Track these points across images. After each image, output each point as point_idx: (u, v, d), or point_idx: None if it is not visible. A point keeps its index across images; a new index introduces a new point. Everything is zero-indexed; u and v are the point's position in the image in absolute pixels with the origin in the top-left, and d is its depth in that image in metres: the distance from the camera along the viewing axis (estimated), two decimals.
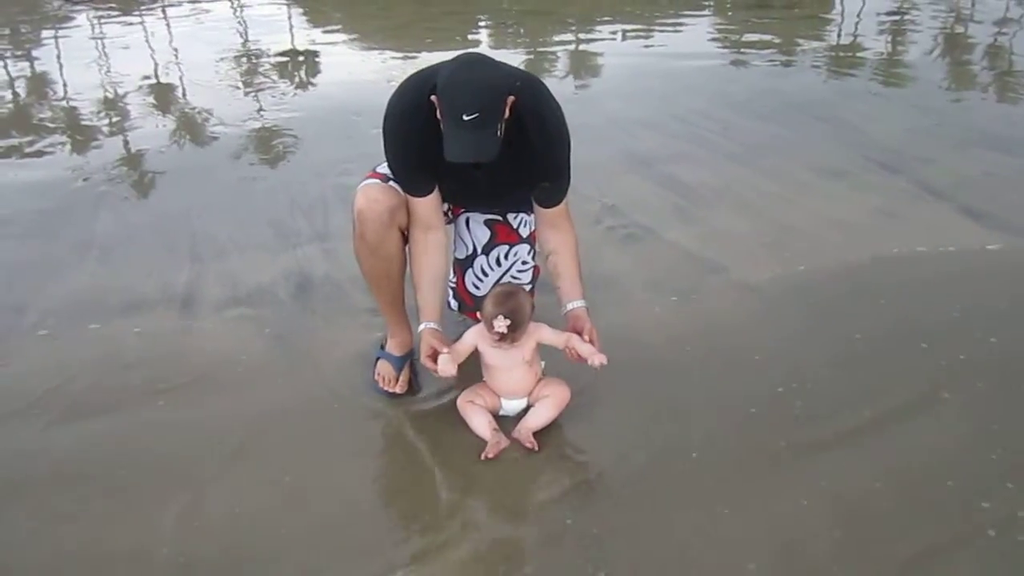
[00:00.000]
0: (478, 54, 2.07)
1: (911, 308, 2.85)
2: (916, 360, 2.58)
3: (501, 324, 2.15)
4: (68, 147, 4.69)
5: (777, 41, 7.08)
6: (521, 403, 2.34)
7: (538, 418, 2.27)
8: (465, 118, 1.91)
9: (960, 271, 3.10)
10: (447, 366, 2.19)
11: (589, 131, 4.47)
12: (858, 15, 8.08)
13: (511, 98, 2.01)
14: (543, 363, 2.37)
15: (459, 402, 2.33)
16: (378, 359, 2.51)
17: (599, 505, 2.05)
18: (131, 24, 8.00)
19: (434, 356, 2.23)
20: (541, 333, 2.28)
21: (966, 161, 4.17)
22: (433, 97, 1.99)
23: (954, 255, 3.21)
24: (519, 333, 2.20)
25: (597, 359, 2.20)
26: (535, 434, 2.24)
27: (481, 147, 1.96)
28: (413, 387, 2.49)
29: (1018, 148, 4.33)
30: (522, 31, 7.89)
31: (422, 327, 2.29)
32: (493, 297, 2.20)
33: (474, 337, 2.29)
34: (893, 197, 3.77)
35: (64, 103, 5.59)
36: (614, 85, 5.86)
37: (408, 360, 2.50)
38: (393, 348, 2.50)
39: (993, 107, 5.34)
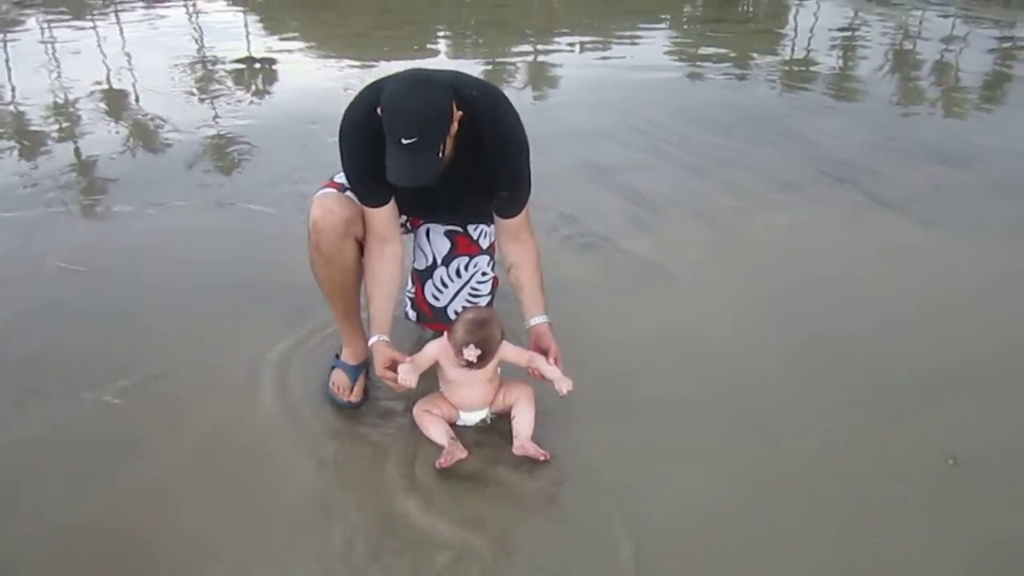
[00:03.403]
0: (423, 71, 2.05)
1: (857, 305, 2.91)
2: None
3: (471, 353, 2.13)
4: (16, 153, 4.57)
5: (732, 55, 7.18)
6: (480, 414, 2.33)
7: (527, 425, 2.25)
8: (404, 142, 1.88)
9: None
10: (409, 376, 2.15)
11: (547, 142, 4.48)
12: (811, 30, 8.23)
13: (459, 113, 1.99)
14: (499, 369, 2.34)
15: (415, 412, 2.30)
16: (333, 368, 2.48)
17: (565, 510, 2.05)
18: (83, 28, 7.84)
19: (392, 367, 2.20)
20: (504, 351, 2.26)
21: (916, 174, 4.26)
22: (379, 110, 1.95)
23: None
24: (487, 362, 2.18)
25: (564, 386, 2.19)
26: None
27: (418, 171, 1.93)
28: (368, 396, 2.46)
29: (965, 162, 4.44)
30: (480, 41, 7.90)
31: (375, 339, 2.25)
32: (465, 324, 2.16)
33: (436, 351, 2.26)
34: (847, 209, 3.84)
35: (12, 108, 5.45)
36: (572, 97, 5.89)
37: (364, 370, 2.47)
38: (348, 357, 2.47)
39: (941, 122, 5.47)
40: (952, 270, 3.26)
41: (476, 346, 2.12)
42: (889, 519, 2.03)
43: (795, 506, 2.07)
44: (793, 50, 7.60)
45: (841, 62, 7.12)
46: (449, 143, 1.99)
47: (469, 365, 2.16)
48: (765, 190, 4.05)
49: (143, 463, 2.18)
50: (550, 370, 2.22)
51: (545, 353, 2.26)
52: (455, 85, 2.02)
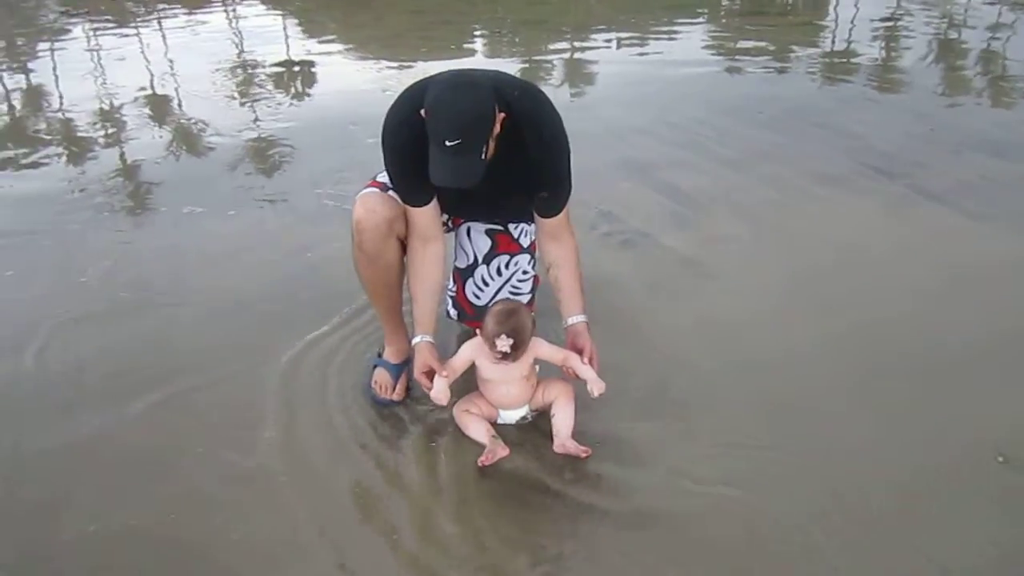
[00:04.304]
0: (465, 72, 2.06)
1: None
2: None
3: (504, 344, 2.14)
4: (64, 159, 4.68)
5: (772, 48, 7.09)
6: (519, 412, 2.33)
7: (567, 423, 2.25)
8: (448, 144, 1.89)
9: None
10: (442, 395, 2.19)
11: (585, 139, 4.46)
12: (852, 21, 8.10)
13: (502, 115, 2.00)
14: (537, 367, 2.34)
15: (455, 411, 2.32)
16: (375, 367, 2.51)
17: (606, 507, 2.05)
18: (127, 36, 7.99)
19: (429, 373, 2.23)
20: (539, 349, 2.27)
21: (962, 166, 4.18)
22: (423, 112, 1.96)
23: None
24: (520, 352, 2.19)
25: (596, 388, 2.21)
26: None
27: (462, 173, 1.95)
28: (410, 394, 2.48)
29: (1013, 152, 4.35)
30: (517, 40, 7.89)
31: (418, 339, 2.28)
32: (495, 315, 2.18)
33: (471, 352, 2.28)
34: (890, 202, 3.78)
35: (60, 115, 5.58)
36: (610, 93, 5.87)
37: (405, 368, 2.49)
38: (390, 356, 2.50)
39: (988, 112, 5.35)
40: (999, 262, 3.19)
41: (507, 335, 2.13)
42: (938, 515, 2.01)
43: (845, 500, 2.05)
44: (834, 42, 7.48)
45: (883, 53, 7.00)
46: (491, 144, 2.00)
47: (504, 357, 2.16)
48: (806, 184, 4.00)
49: (187, 471, 2.22)
50: (584, 370, 2.23)
51: (580, 352, 2.26)
52: (497, 86, 2.03)
